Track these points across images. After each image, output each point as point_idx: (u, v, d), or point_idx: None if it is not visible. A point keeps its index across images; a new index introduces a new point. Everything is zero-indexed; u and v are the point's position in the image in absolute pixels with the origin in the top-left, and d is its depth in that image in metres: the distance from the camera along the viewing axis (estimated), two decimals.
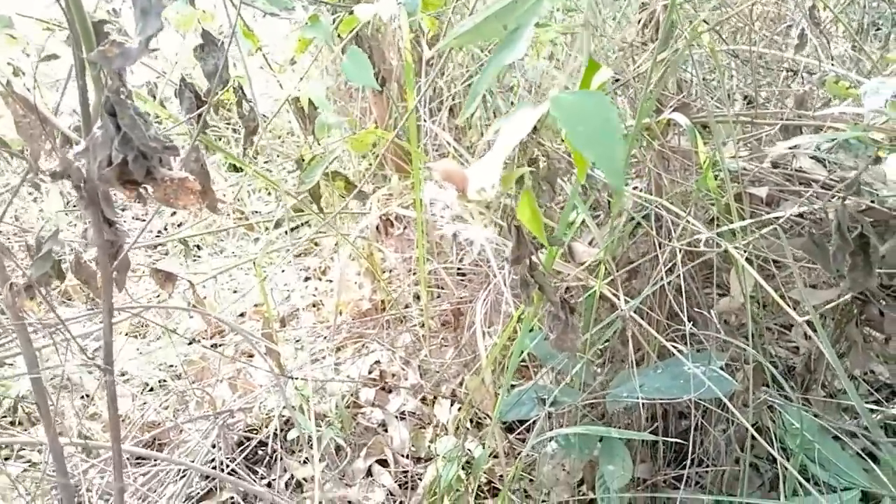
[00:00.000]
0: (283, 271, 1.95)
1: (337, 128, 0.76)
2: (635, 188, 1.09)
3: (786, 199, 1.16)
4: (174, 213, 2.26)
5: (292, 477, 1.28)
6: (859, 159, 0.91)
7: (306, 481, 1.24)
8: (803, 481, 0.87)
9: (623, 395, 0.94)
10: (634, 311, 0.95)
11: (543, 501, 1.13)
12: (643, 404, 1.06)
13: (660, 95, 1.01)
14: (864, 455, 1.03)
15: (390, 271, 1.86)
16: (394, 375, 1.67)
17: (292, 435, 1.19)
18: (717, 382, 0.85)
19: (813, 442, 0.95)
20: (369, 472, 1.40)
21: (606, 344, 1.02)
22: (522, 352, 0.85)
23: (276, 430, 1.23)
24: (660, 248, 0.87)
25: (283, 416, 1.32)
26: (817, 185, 1.17)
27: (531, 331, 1.05)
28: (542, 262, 0.65)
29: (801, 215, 0.96)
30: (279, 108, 0.86)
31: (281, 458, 1.18)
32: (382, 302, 1.82)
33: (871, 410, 1.20)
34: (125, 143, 0.38)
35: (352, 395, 1.60)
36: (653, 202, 0.97)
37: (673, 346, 0.87)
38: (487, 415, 1.19)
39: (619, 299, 0.87)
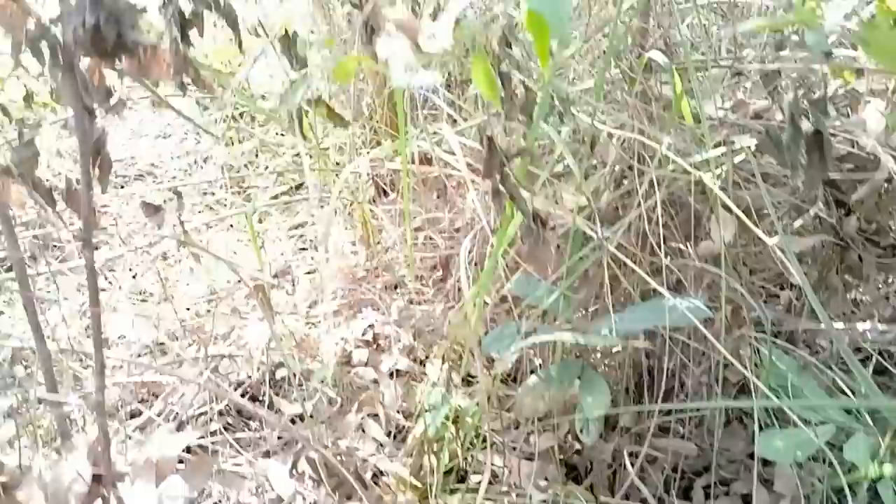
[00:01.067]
0: (279, 240, 1.97)
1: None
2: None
3: None
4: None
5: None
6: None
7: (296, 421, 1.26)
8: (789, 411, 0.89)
9: (603, 330, 0.97)
10: (617, 251, 0.97)
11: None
12: (624, 346, 1.09)
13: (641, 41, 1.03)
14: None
15: (383, 245, 1.88)
16: (387, 337, 1.70)
17: (281, 373, 1.22)
18: (693, 312, 0.87)
19: (789, 379, 0.97)
20: (360, 427, 1.43)
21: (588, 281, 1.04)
22: (497, 262, 0.87)
23: (267, 376, 1.26)
24: (640, 176, 0.89)
25: (275, 364, 1.34)
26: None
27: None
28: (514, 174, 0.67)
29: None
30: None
31: (271, 399, 1.20)
32: (377, 269, 1.85)
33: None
34: (96, 4, 0.40)
35: (345, 356, 1.63)
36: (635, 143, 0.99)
37: (652, 281, 0.89)
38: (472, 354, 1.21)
39: (598, 234, 0.89)
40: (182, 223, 0.98)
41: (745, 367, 0.90)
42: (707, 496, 1.27)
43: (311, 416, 1.18)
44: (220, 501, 0.95)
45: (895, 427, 0.96)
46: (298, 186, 2.30)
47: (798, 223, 1.25)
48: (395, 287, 1.82)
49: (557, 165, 1.06)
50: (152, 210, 0.89)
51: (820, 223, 1.19)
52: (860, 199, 1.08)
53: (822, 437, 0.94)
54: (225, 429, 1.18)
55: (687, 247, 1.08)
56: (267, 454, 1.26)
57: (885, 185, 1.07)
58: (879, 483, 0.94)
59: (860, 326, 0.96)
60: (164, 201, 1.33)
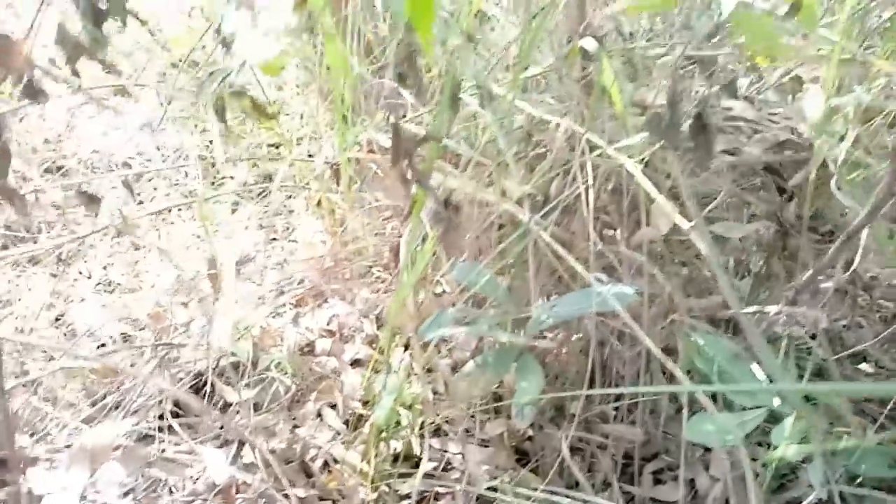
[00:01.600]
0: (246, 228, 1.98)
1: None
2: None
3: None
4: None
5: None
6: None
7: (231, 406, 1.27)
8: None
9: (542, 317, 0.98)
10: (553, 239, 0.98)
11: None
12: (563, 333, 1.10)
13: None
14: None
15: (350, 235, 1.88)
16: (351, 327, 1.71)
17: (224, 362, 1.23)
18: (620, 297, 0.88)
19: (720, 365, 0.98)
20: (319, 415, 1.44)
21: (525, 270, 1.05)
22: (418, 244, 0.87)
23: (219, 364, 1.27)
24: (582, 166, 0.90)
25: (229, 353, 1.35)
26: (746, 126, 1.20)
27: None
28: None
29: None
30: None
31: (213, 385, 1.21)
32: (344, 259, 1.85)
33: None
34: None
35: (309, 345, 1.64)
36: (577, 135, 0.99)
37: (579, 267, 0.90)
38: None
39: (526, 219, 0.90)
40: (122, 213, 0.99)
41: (676, 354, 0.91)
42: (656, 482, 1.29)
43: (259, 405, 1.19)
44: (157, 489, 0.96)
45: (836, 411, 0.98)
46: (271, 177, 2.30)
47: (748, 211, 1.26)
48: (362, 276, 1.83)
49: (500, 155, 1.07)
50: (86, 199, 0.90)
51: (763, 210, 1.20)
52: (797, 184, 1.09)
53: (753, 422, 0.95)
54: (176, 416, 1.19)
55: (625, 235, 1.09)
56: (225, 443, 1.27)
57: (821, 171, 1.08)
58: (809, 465, 0.95)
59: (770, 309, 0.97)
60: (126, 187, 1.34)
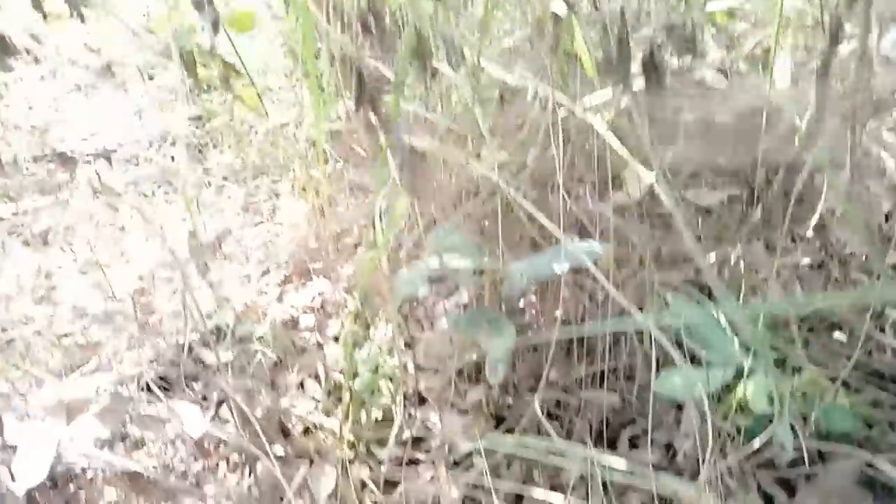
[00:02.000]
0: (231, 210, 1.99)
1: None
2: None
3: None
4: None
5: None
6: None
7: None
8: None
9: (516, 276, 0.99)
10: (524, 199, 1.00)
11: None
12: (539, 295, 1.11)
13: None
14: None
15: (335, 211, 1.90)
16: (335, 304, 1.72)
17: (205, 332, 1.24)
18: (589, 253, 0.90)
19: (690, 322, 1.00)
20: (301, 385, 1.46)
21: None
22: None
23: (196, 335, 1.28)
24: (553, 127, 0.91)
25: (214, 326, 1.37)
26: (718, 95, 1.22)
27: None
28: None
29: None
30: None
31: (192, 350, 1.23)
32: (331, 237, 1.87)
33: None
34: None
35: (292, 320, 1.66)
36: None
37: (549, 223, 0.92)
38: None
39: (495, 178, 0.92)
40: (100, 179, 1.01)
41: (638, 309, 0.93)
42: (632, 446, 1.31)
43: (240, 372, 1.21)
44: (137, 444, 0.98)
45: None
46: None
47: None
48: (347, 255, 1.85)
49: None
50: (62, 160, 0.91)
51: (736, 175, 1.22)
52: (766, 149, 1.11)
53: (721, 378, 0.97)
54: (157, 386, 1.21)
55: (601, 197, 1.11)
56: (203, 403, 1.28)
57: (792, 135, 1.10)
58: (776, 422, 0.97)
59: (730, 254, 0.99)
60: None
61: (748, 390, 0.97)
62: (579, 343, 1.28)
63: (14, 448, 0.82)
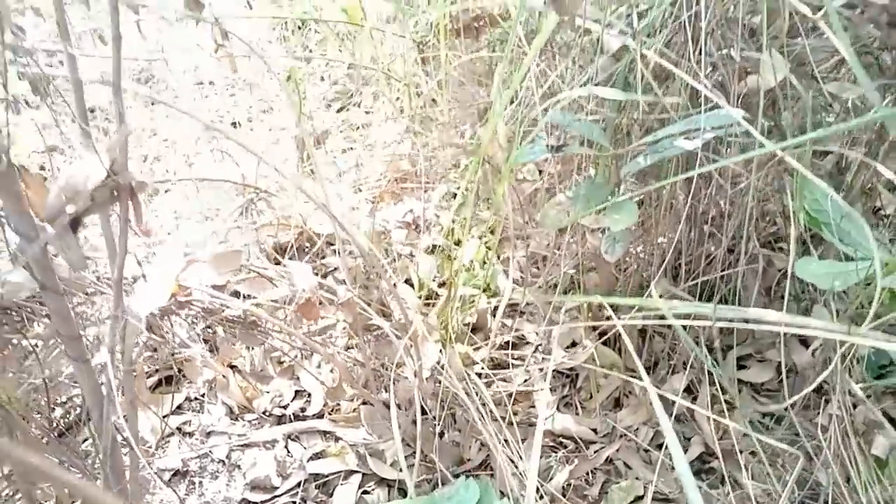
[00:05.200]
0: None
1: None
2: None
3: None
4: None
5: None
6: None
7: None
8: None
9: (639, 160, 0.94)
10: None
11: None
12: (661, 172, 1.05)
13: None
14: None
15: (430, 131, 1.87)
16: (426, 221, 1.70)
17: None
18: (721, 119, 0.84)
19: (828, 212, 0.92)
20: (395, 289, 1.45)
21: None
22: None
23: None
24: None
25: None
26: None
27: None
28: None
29: None
30: None
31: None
32: (425, 158, 1.85)
33: None
34: None
35: (384, 234, 1.65)
36: None
37: (692, 81, 0.86)
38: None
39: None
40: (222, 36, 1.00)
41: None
42: (740, 367, 1.23)
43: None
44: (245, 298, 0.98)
45: None
46: (350, 95, 2.32)
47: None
48: (441, 176, 1.82)
49: None
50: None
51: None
52: None
53: (861, 272, 0.89)
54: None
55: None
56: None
57: None
58: None
59: None
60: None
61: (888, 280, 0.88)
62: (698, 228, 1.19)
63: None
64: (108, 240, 0.72)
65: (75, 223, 0.63)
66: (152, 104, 2.20)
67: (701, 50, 1.03)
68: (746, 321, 1.13)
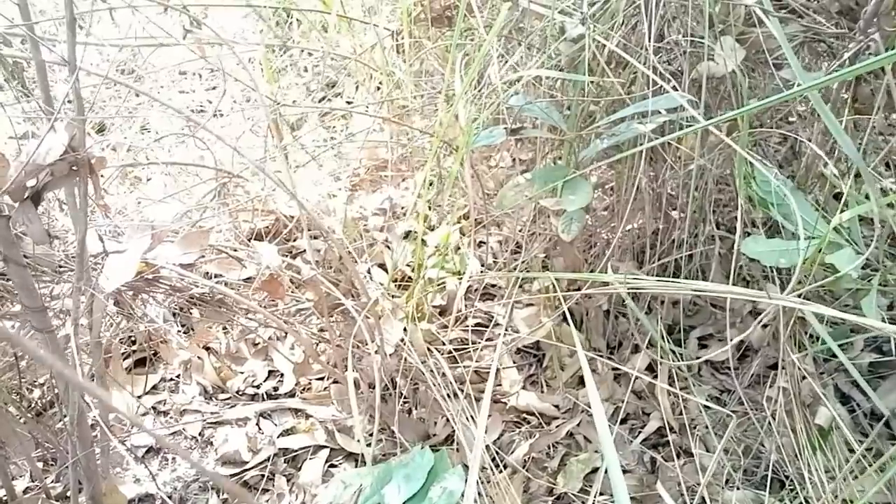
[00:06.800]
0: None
1: None
2: None
3: None
4: None
5: None
6: None
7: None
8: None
9: (598, 143, 0.97)
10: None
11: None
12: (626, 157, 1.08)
13: None
14: None
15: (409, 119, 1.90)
16: (403, 208, 1.73)
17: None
18: (668, 102, 0.87)
19: (775, 194, 0.95)
20: (368, 272, 1.48)
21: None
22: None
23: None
24: None
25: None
26: None
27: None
28: None
29: None
30: None
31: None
32: (402, 145, 1.87)
33: None
34: None
35: (361, 219, 1.68)
36: None
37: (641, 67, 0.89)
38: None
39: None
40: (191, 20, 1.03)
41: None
42: (701, 346, 1.27)
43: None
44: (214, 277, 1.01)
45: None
46: (332, 85, 2.34)
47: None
48: (419, 165, 1.85)
49: None
50: None
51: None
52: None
53: (807, 250, 0.92)
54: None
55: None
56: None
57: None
58: (864, 299, 0.92)
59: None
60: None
61: (835, 258, 0.92)
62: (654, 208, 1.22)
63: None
64: (73, 217, 0.75)
65: (36, 197, 0.66)
66: (137, 95, 2.22)
67: (662, 37, 1.06)
68: (698, 295, 1.16)
